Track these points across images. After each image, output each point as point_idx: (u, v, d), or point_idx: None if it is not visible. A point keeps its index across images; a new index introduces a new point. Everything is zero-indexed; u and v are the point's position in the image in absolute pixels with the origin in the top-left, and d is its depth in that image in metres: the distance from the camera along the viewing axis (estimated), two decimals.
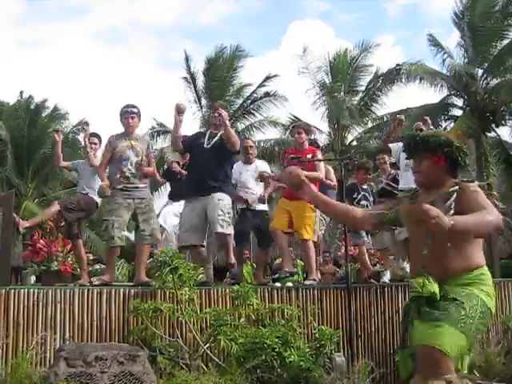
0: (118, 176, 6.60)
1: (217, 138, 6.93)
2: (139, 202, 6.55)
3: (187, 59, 22.72)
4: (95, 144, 7.64)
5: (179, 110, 6.84)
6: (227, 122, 6.84)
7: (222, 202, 6.76)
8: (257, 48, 68.70)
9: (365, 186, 8.12)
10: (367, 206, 7.95)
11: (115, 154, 6.67)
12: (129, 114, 6.72)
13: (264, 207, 7.89)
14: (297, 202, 7.21)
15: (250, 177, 7.88)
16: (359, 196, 7.90)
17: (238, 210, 7.83)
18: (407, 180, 7.66)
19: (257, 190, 7.80)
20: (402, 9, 68.15)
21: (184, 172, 8.19)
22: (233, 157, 7.16)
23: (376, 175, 9.21)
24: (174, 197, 9.01)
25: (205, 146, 6.92)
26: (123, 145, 6.67)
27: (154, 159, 7.01)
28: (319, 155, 7.74)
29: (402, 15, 66.53)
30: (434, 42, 20.92)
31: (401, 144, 8.05)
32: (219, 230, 6.72)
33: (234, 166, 8.30)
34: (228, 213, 6.81)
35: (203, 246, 7.08)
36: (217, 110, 6.99)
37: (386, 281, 7.99)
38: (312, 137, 7.87)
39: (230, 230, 6.89)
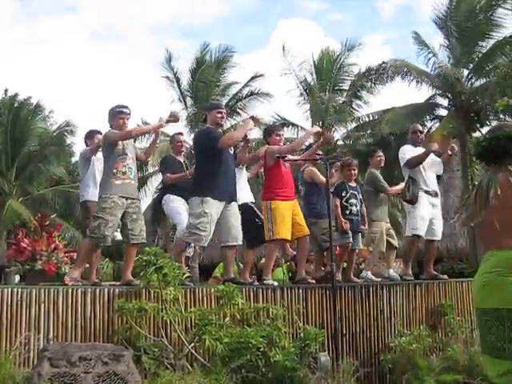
0: (115, 171, 6.47)
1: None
2: (131, 201, 6.49)
3: (170, 59, 22.61)
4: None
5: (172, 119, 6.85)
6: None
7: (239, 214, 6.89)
8: (244, 46, 68.68)
9: (353, 184, 8.11)
10: (356, 205, 7.97)
11: (117, 147, 6.54)
12: (123, 115, 6.66)
13: (250, 199, 7.87)
14: (294, 200, 7.35)
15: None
16: (348, 194, 7.88)
17: None
18: (423, 179, 7.82)
19: (243, 188, 7.75)
20: (395, 8, 68.37)
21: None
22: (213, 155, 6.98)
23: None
24: (175, 191, 8.05)
25: (230, 151, 6.97)
26: (124, 142, 6.61)
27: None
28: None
29: (394, 15, 66.73)
30: (419, 41, 20.98)
31: (412, 146, 8.13)
32: (236, 243, 6.82)
33: None
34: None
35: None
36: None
37: (368, 277, 8.02)
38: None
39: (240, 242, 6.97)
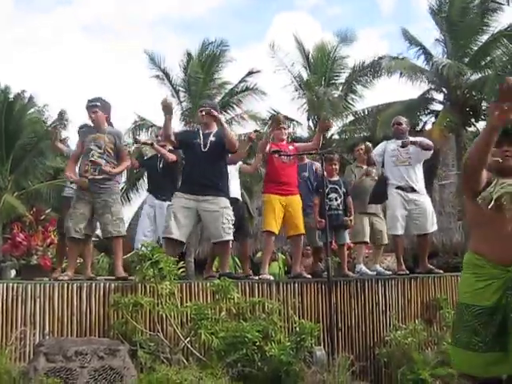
0: (82, 169, 6.60)
1: (211, 137, 6.81)
2: (96, 196, 6.49)
3: (153, 59, 22.47)
4: None
5: (166, 109, 6.77)
6: (223, 123, 6.86)
7: (227, 209, 6.68)
8: (240, 40, 68.54)
9: (334, 178, 8.10)
10: (336, 199, 7.95)
11: (84, 147, 6.65)
12: (91, 109, 6.68)
13: (237, 195, 7.86)
14: (292, 196, 7.30)
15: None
16: (327, 190, 7.79)
17: None
18: (396, 175, 7.76)
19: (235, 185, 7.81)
20: (394, 2, 68.19)
21: (171, 156, 8.10)
22: (227, 155, 7.00)
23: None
24: (156, 193, 8.39)
25: (202, 149, 6.78)
26: (89, 138, 6.64)
27: (126, 151, 6.94)
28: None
29: (393, 9, 66.49)
30: (408, 37, 20.96)
31: (386, 142, 8.13)
32: (225, 238, 6.69)
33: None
34: (232, 219, 6.74)
35: (183, 244, 6.95)
36: (206, 111, 6.91)
37: (363, 271, 8.08)
38: (291, 130, 7.86)
39: (231, 237, 6.81)
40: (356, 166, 8.92)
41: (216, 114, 6.81)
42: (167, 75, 22.57)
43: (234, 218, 6.75)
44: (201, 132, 6.93)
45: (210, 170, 6.70)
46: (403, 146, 7.72)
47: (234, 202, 7.53)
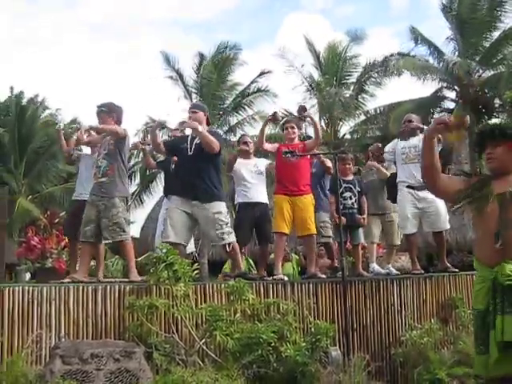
0: (94, 172, 6.71)
1: (197, 140, 6.74)
2: (97, 199, 6.52)
3: (168, 60, 22.56)
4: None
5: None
6: (196, 125, 6.61)
7: (219, 214, 6.60)
8: (251, 41, 68.54)
9: (349, 178, 8.10)
10: (351, 198, 7.96)
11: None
12: (98, 114, 6.76)
13: (263, 199, 7.88)
14: (299, 196, 7.28)
15: (249, 172, 7.91)
16: (341, 189, 7.81)
17: (236, 204, 7.88)
18: (406, 173, 7.72)
19: (254, 185, 7.80)
20: (406, 0, 67.93)
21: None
22: (217, 158, 6.86)
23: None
24: (167, 193, 8.44)
25: (188, 152, 6.76)
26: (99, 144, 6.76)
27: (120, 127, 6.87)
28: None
29: (405, 7, 66.21)
30: (416, 35, 20.89)
31: (398, 140, 8.10)
32: (222, 242, 6.69)
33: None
34: (227, 223, 6.67)
35: (185, 246, 6.89)
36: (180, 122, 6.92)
37: (376, 270, 8.10)
38: (303, 131, 7.83)
39: (232, 238, 6.76)
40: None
41: (186, 120, 6.75)
42: (181, 76, 22.65)
43: (228, 221, 6.69)
44: (189, 136, 6.90)
45: (196, 173, 6.64)
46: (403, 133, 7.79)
47: (259, 205, 7.71)
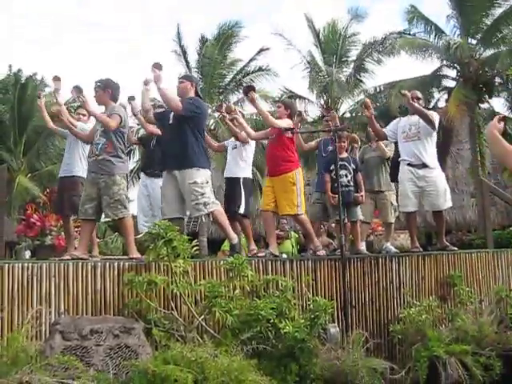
0: (91, 149, 6.66)
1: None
2: (96, 176, 6.49)
3: (179, 34, 22.48)
4: (84, 115, 7.66)
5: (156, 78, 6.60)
6: (158, 83, 6.53)
7: (194, 185, 6.51)
8: (251, 18, 67.96)
9: (343, 155, 8.08)
10: (346, 176, 7.95)
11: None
12: (94, 90, 6.71)
13: (236, 174, 8.11)
14: (277, 177, 7.28)
15: (230, 149, 8.25)
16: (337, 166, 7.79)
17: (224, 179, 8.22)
18: (407, 151, 7.71)
19: (230, 161, 8.18)
20: None
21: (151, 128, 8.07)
22: (197, 122, 6.70)
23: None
24: (146, 169, 8.55)
25: (169, 122, 6.75)
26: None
27: (115, 115, 6.63)
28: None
29: None
30: (416, 14, 20.74)
31: (400, 118, 8.07)
32: (195, 214, 6.68)
33: (228, 141, 8.39)
34: (202, 194, 6.54)
35: (182, 219, 6.89)
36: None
37: (392, 250, 8.13)
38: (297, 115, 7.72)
39: (210, 209, 6.63)
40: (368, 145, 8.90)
41: (155, 72, 6.56)
42: (184, 53, 22.57)
43: (205, 192, 6.56)
44: None
45: (175, 142, 6.61)
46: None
47: (231, 179, 8.05)
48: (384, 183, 8.43)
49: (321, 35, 23.50)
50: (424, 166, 7.60)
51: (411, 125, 7.72)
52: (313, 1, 54.59)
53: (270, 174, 7.47)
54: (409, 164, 7.65)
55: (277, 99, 23.47)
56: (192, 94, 6.84)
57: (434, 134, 7.72)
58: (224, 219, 6.83)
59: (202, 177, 6.58)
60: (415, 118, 7.67)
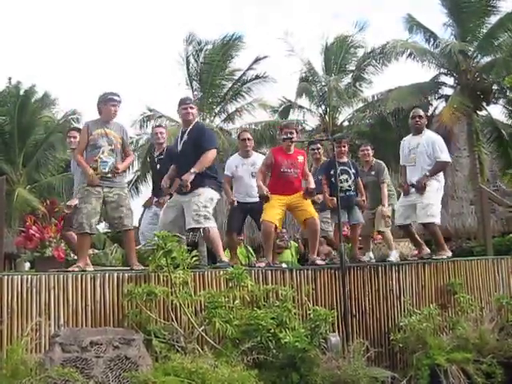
0: (90, 164, 6.53)
1: (185, 137, 6.88)
2: (108, 190, 6.48)
3: (188, 40, 22.55)
4: (74, 138, 7.68)
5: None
6: (189, 179, 6.67)
7: (199, 197, 6.62)
8: (252, 25, 68.04)
9: (344, 160, 8.10)
10: (347, 180, 7.98)
11: (90, 141, 6.58)
12: (115, 102, 6.65)
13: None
14: (294, 195, 7.20)
15: (246, 171, 7.90)
16: (337, 171, 7.75)
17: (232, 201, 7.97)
18: (404, 172, 7.83)
19: (254, 184, 7.64)
20: None
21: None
22: (204, 148, 6.79)
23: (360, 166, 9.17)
24: (158, 193, 8.31)
25: (178, 150, 6.92)
26: (97, 132, 6.58)
27: (129, 145, 6.93)
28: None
29: None
30: (413, 22, 20.81)
31: (404, 140, 8.12)
32: (192, 225, 6.66)
33: (231, 158, 8.30)
34: (204, 206, 6.62)
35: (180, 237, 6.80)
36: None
37: (393, 260, 8.04)
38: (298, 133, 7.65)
39: (208, 224, 6.69)
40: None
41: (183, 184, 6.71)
42: (187, 62, 22.67)
43: (207, 205, 6.63)
44: (178, 138, 7.04)
45: (185, 168, 6.71)
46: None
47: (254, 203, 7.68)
48: (379, 201, 8.47)
49: (322, 44, 23.62)
50: (413, 185, 7.72)
51: (410, 149, 7.91)
52: (314, 8, 54.61)
53: (288, 192, 7.22)
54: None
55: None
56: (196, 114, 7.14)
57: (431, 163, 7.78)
58: (217, 239, 6.87)
59: (208, 194, 6.72)
60: (415, 141, 7.79)
